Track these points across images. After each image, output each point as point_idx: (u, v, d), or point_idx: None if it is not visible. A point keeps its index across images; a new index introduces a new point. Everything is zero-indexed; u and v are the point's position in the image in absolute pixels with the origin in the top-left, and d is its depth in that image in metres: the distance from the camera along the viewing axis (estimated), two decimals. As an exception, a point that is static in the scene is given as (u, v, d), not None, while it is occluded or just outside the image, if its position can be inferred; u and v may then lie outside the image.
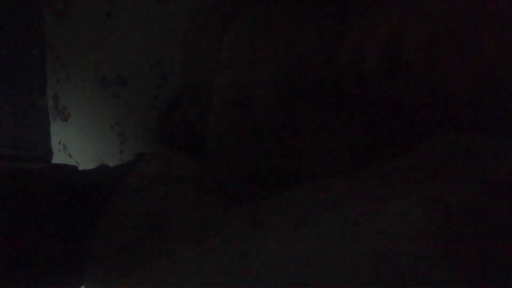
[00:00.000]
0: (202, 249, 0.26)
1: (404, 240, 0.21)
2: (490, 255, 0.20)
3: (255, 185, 0.35)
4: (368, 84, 0.29)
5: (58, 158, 0.81)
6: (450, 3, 0.28)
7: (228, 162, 0.37)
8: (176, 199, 0.34)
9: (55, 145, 0.82)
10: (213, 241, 0.26)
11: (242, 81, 0.36)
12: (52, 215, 0.33)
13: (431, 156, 0.26)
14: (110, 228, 0.33)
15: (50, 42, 0.77)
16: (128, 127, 0.68)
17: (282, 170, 0.34)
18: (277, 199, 0.28)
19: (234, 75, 0.37)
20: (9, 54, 0.89)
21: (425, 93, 0.29)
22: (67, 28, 0.72)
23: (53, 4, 0.74)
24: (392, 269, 0.20)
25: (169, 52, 0.63)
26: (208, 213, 0.31)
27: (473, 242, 0.20)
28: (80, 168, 0.45)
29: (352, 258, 0.21)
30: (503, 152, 0.25)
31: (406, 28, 0.27)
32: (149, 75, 0.64)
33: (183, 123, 0.53)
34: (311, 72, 0.35)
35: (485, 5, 0.28)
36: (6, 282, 0.29)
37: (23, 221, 0.31)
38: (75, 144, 0.76)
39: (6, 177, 0.33)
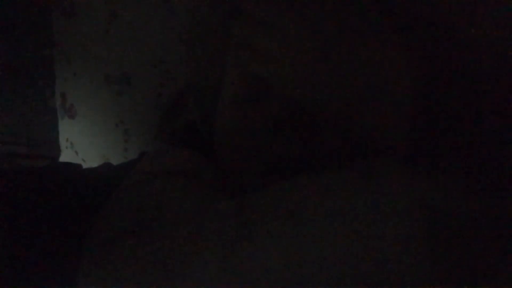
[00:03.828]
0: (190, 249, 0.26)
1: (392, 243, 0.21)
2: (475, 259, 0.20)
3: (274, 178, 0.34)
4: None
5: (66, 155, 0.83)
6: None
7: (243, 158, 0.36)
8: (171, 193, 0.34)
9: (63, 142, 0.84)
10: (201, 243, 0.26)
11: (254, 78, 0.36)
12: (54, 213, 0.34)
13: (417, 156, 0.26)
14: (102, 221, 0.33)
15: (59, 42, 0.78)
16: (132, 125, 0.68)
17: (300, 162, 0.33)
18: (264, 193, 0.28)
19: (245, 72, 0.36)
20: (20, 54, 0.92)
21: None
22: (74, 28, 0.73)
23: (61, 5, 0.76)
24: (379, 271, 0.20)
25: (172, 50, 0.63)
26: (204, 207, 0.31)
27: (459, 247, 0.20)
28: (86, 165, 0.46)
29: (340, 258, 0.21)
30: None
31: None
32: (153, 74, 0.65)
33: (187, 121, 0.53)
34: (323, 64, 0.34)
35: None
36: (7, 282, 0.29)
37: (24, 219, 0.31)
38: (82, 142, 0.77)
39: (9, 175, 0.33)
